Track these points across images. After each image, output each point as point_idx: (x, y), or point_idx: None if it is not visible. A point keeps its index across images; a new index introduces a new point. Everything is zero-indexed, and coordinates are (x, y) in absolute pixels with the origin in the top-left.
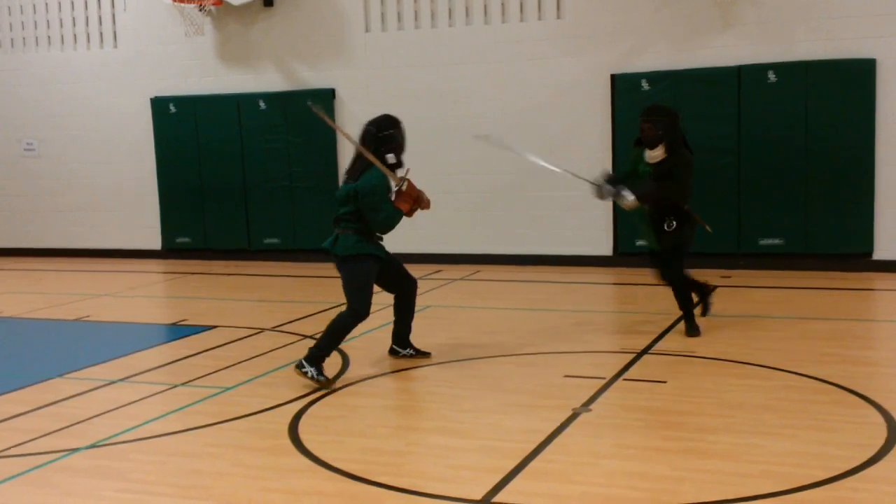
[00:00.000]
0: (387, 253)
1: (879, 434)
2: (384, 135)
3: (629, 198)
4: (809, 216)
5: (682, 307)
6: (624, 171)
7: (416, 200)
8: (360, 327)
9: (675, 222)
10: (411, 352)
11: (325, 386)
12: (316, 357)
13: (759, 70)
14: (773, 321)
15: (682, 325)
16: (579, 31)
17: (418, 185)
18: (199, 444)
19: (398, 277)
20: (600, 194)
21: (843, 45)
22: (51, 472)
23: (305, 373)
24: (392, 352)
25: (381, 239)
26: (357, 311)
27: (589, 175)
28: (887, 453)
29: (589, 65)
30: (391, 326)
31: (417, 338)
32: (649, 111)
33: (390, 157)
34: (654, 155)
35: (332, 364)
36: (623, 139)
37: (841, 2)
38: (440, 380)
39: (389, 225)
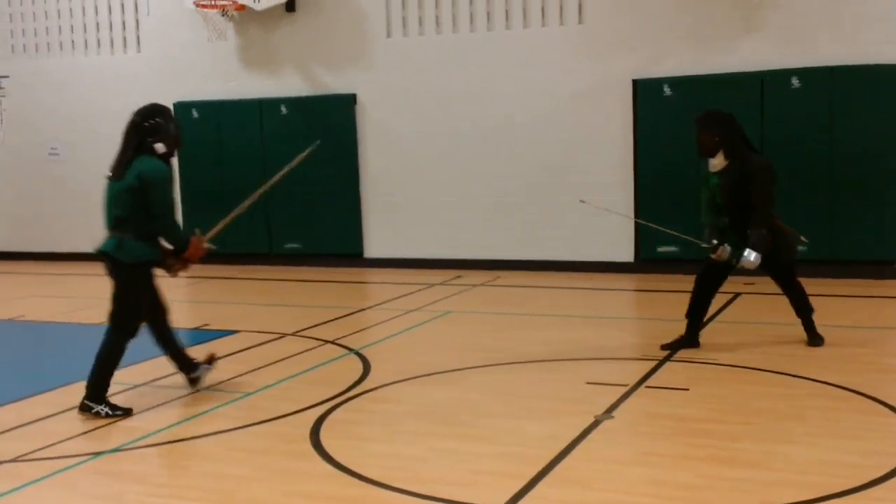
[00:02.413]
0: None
1: None
2: (151, 123)
3: (751, 259)
4: (834, 223)
5: (798, 314)
6: (706, 202)
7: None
8: (379, 333)
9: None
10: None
11: (128, 414)
12: (96, 395)
13: (782, 75)
14: (796, 329)
15: (709, 331)
16: (601, 36)
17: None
18: (221, 448)
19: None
20: (722, 257)
21: (867, 49)
22: (75, 476)
23: (97, 413)
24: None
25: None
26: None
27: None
28: None
29: (610, 70)
30: (411, 332)
31: (440, 342)
32: (700, 119)
33: (159, 147)
34: (716, 164)
35: (352, 369)
36: (644, 144)
37: (865, 6)
38: (460, 385)
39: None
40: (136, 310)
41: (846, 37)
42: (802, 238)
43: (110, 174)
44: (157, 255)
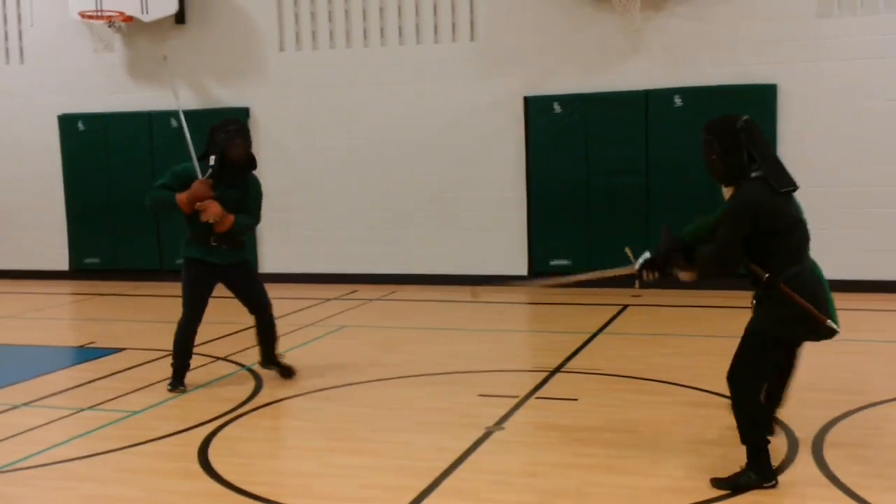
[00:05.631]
0: (238, 263)
1: (780, 448)
2: (208, 139)
3: (642, 257)
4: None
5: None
6: (706, 224)
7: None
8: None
9: (753, 300)
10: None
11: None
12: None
13: (665, 94)
14: (680, 339)
15: (595, 344)
16: (493, 54)
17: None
18: (107, 469)
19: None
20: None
21: (746, 70)
22: None
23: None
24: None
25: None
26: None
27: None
28: (787, 466)
29: (502, 87)
30: (306, 347)
31: (334, 357)
32: (705, 126)
33: (210, 160)
34: (725, 191)
35: (244, 385)
36: (536, 161)
37: (744, 29)
38: (353, 400)
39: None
40: (186, 299)
41: (724, 58)
42: (832, 326)
43: None
44: (194, 253)
